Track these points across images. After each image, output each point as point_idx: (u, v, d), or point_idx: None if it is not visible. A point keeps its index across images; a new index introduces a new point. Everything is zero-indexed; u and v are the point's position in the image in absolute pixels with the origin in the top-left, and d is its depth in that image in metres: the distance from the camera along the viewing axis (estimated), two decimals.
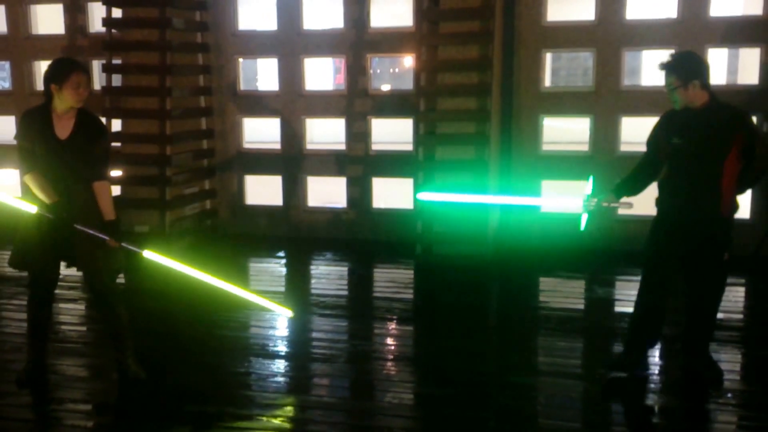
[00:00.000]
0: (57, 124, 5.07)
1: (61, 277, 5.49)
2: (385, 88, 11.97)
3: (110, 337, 5.58)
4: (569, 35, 9.15)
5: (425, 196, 5.29)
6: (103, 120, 9.42)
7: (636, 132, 10.98)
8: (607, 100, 9.02)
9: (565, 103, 9.37)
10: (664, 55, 9.19)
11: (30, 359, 5.50)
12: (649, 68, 11.98)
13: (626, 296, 7.61)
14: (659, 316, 5.38)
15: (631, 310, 5.49)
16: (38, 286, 5.38)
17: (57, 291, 7.34)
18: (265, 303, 6.01)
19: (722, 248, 5.07)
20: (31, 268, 5.31)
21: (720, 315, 6.95)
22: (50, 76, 5.04)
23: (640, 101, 9.11)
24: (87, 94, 5.10)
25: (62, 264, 5.40)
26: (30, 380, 5.44)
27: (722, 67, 12.12)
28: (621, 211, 5.30)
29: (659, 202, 5.19)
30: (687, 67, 4.92)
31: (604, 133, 9.03)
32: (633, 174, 5.30)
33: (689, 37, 8.73)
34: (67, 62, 5.18)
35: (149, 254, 5.44)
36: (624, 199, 5.25)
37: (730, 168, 4.88)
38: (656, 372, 5.68)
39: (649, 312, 5.36)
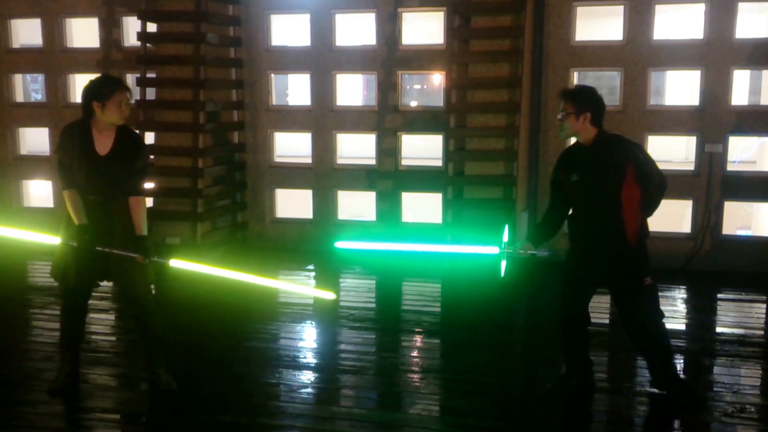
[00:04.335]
0: (97, 140, 5.14)
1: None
2: (415, 104, 12.10)
3: (142, 348, 5.62)
4: (597, 55, 9.24)
5: (342, 245, 5.47)
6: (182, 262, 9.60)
7: (662, 150, 11.07)
8: (633, 118, 9.10)
9: None
10: (691, 75, 9.35)
11: (62, 369, 5.54)
12: (674, 88, 12.09)
13: None
14: (583, 336, 5.44)
15: None
16: (71, 298, 5.43)
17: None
18: (306, 290, 5.84)
19: (639, 275, 5.12)
20: (67, 281, 5.33)
21: (741, 331, 7.08)
22: (93, 94, 5.08)
23: (665, 120, 9.19)
24: (128, 111, 5.18)
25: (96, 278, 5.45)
26: (62, 390, 5.47)
27: (744, 88, 12.12)
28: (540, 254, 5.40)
29: (569, 237, 5.31)
30: (584, 99, 5.06)
31: None
32: (545, 218, 5.44)
33: (714, 59, 8.82)
34: (109, 80, 5.25)
35: (176, 263, 5.48)
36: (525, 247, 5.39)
37: (628, 197, 4.95)
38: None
39: (572, 335, 5.43)
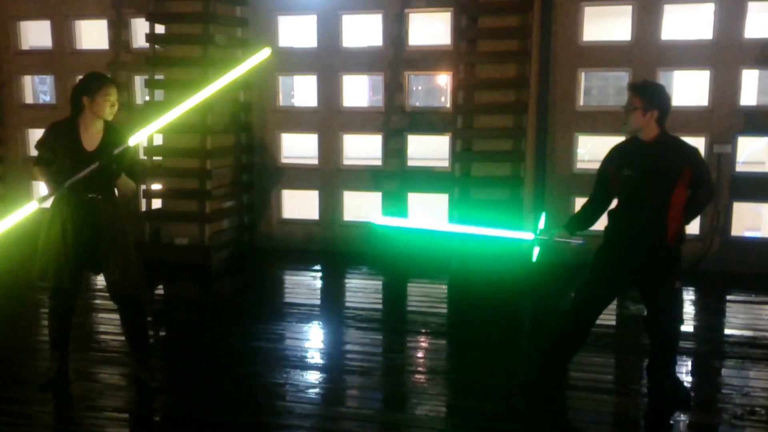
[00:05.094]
0: (84, 136, 5.17)
1: (100, 286, 5.57)
2: (422, 105, 12.09)
3: (131, 345, 5.59)
4: (605, 55, 9.22)
5: (383, 220, 5.48)
6: (141, 132, 9.64)
7: None
8: None
9: (599, 121, 9.41)
10: (699, 75, 9.31)
11: (52, 367, 5.56)
12: (682, 88, 12.02)
13: None
14: (585, 335, 5.45)
15: None
16: (59, 299, 5.44)
17: (98, 301, 7.62)
18: (243, 66, 5.30)
19: (671, 276, 5.15)
20: (52, 281, 5.34)
21: (751, 333, 7.07)
22: (82, 89, 5.16)
23: (673, 121, 9.07)
24: (117, 107, 5.20)
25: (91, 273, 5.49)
26: (52, 386, 5.50)
27: (753, 88, 12.07)
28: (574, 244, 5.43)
29: (607, 231, 5.30)
30: (654, 96, 5.04)
31: None
32: (585, 207, 5.44)
33: (723, 59, 8.78)
34: (97, 76, 5.30)
35: (133, 138, 5.15)
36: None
37: (677, 200, 5.00)
38: (689, 389, 5.70)
39: (578, 330, 5.43)
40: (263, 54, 5.15)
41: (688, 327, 7.31)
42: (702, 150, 9.19)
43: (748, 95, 9.81)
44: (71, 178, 4.96)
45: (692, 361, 6.32)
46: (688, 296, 8.36)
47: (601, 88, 14.39)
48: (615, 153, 5.27)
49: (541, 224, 5.36)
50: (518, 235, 5.44)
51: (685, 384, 5.56)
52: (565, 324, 5.46)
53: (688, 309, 8.01)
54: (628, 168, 5.08)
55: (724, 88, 8.87)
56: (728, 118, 8.90)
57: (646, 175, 5.01)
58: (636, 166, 5.05)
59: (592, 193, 5.42)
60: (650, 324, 5.30)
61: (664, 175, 4.98)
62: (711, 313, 7.94)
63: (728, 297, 8.38)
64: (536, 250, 5.38)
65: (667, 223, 5.00)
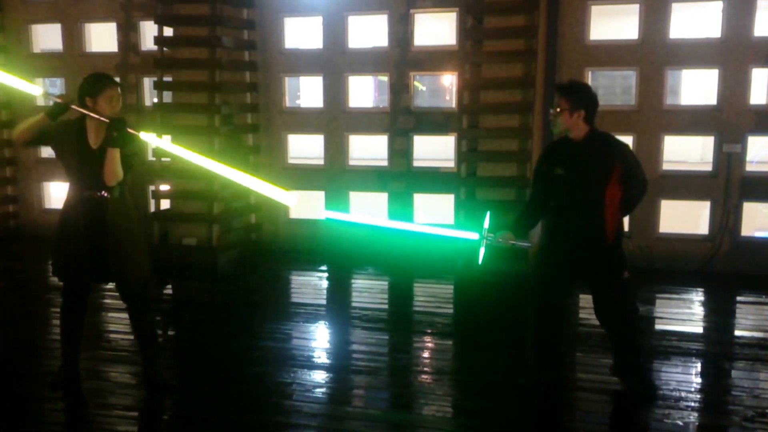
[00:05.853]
0: (90, 134, 5.24)
1: (110, 285, 5.59)
2: (427, 105, 12.08)
3: (139, 346, 5.65)
4: (612, 54, 9.19)
5: (329, 214, 5.53)
6: (153, 135, 9.68)
7: (678, 151, 10.95)
8: (649, 118, 9.04)
9: (607, 121, 9.31)
10: (708, 74, 9.23)
11: (64, 364, 5.60)
12: (690, 87, 11.98)
13: (667, 314, 7.61)
14: (557, 328, 5.48)
15: (671, 327, 5.49)
16: (70, 296, 5.49)
17: (108, 300, 7.66)
18: (271, 191, 5.41)
19: (618, 270, 5.19)
20: (65, 279, 5.43)
21: (761, 334, 7.03)
22: (85, 90, 5.21)
23: (682, 120, 9.12)
24: (120, 106, 5.26)
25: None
26: (63, 384, 5.55)
27: (763, 86, 12.00)
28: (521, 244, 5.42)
29: (547, 231, 5.34)
30: (579, 96, 5.09)
31: (647, 152, 9.02)
32: (526, 209, 5.47)
33: (732, 57, 8.74)
34: (100, 77, 5.35)
35: (147, 135, 5.34)
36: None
37: (611, 197, 5.04)
38: (694, 390, 5.68)
39: (545, 325, 5.47)
40: (289, 199, 5.28)
41: (697, 328, 7.30)
42: (710, 149, 9.19)
43: (758, 94, 9.73)
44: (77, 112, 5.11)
45: (702, 363, 6.29)
46: (697, 297, 8.34)
47: (607, 87, 14.37)
48: (547, 152, 5.33)
49: (486, 224, 5.27)
50: (464, 234, 5.39)
51: (655, 381, 5.62)
52: (535, 324, 5.52)
53: (697, 310, 7.99)
54: (560, 167, 5.12)
55: (733, 87, 8.83)
56: (738, 118, 8.86)
57: (577, 174, 5.06)
58: (567, 165, 5.09)
59: (531, 194, 5.48)
60: (605, 316, 5.33)
61: (595, 172, 5.02)
62: (720, 315, 7.88)
63: (738, 298, 8.32)
64: (482, 252, 5.28)
65: (605, 223, 5.05)
